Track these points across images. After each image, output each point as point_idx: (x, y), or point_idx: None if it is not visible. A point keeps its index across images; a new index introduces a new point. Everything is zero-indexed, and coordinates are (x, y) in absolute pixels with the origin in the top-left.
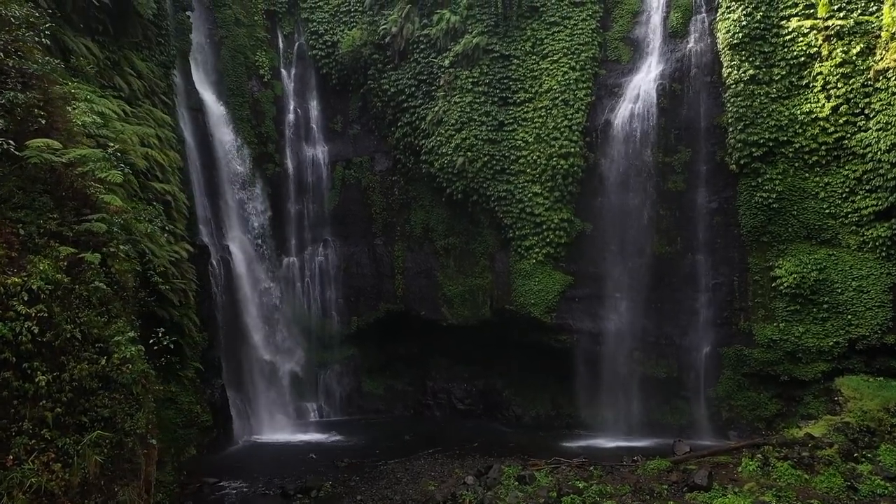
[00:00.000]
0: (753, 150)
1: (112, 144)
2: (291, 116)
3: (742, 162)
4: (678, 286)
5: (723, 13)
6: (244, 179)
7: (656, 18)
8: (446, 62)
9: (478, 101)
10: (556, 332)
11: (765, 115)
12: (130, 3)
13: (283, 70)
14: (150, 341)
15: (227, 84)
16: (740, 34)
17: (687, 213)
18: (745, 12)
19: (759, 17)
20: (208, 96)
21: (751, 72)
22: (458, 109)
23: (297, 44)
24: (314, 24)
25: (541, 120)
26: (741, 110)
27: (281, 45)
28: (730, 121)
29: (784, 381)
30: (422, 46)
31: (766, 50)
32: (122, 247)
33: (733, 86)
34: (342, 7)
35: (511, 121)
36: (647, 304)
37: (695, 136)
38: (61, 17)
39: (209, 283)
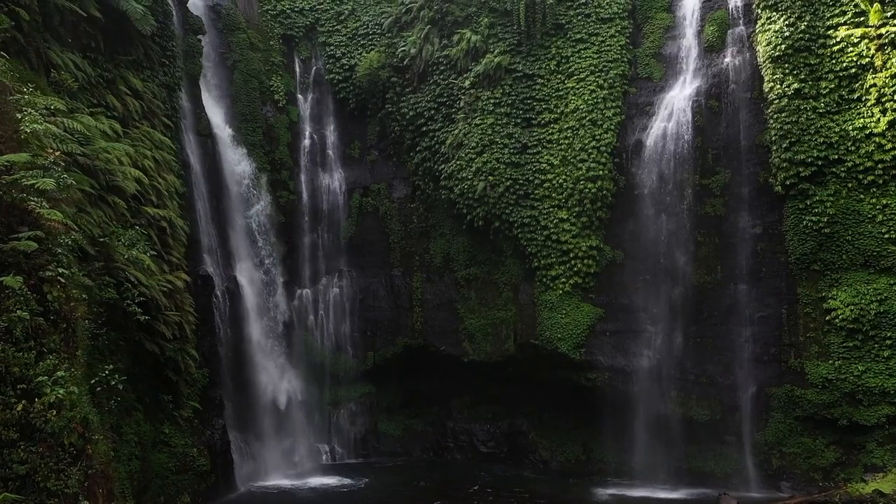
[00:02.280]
0: (800, 169)
1: (51, 151)
2: (307, 142)
3: (788, 183)
4: (719, 319)
5: (763, 24)
6: (255, 207)
7: (690, 33)
8: (467, 83)
9: (500, 122)
10: (586, 369)
11: (812, 131)
12: (128, 19)
13: (299, 95)
14: (98, 379)
15: (240, 109)
16: (783, 46)
17: (727, 239)
18: (787, 22)
19: (802, 27)
20: (219, 121)
21: (795, 85)
22: (479, 132)
23: (314, 68)
24: (332, 47)
25: (567, 141)
26: (786, 127)
27: (298, 69)
28: (773, 139)
29: (843, 426)
30: (441, 68)
31: (812, 62)
32: (62, 270)
33: (776, 101)
34: (360, 30)
35: (535, 143)
36: (684, 338)
37: (734, 155)
38: (47, 30)
39: (212, 316)
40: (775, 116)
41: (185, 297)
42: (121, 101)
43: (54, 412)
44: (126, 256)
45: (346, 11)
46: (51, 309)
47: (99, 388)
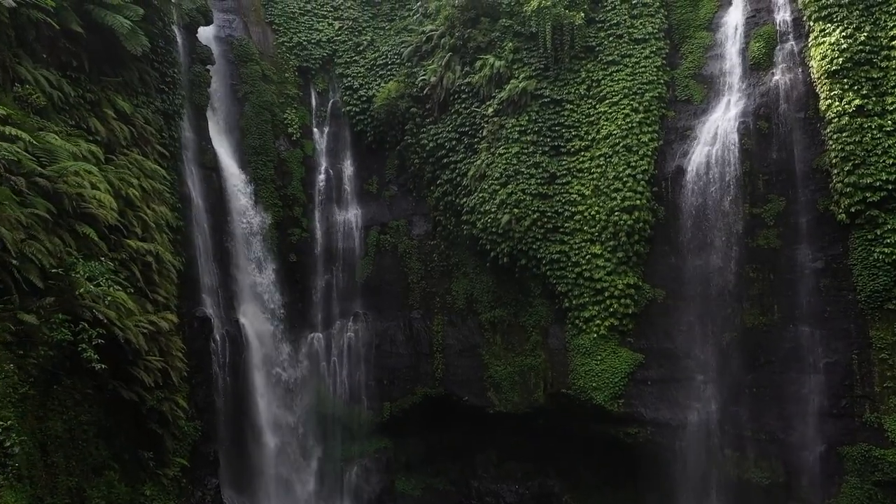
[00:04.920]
0: (867, 195)
1: None
2: (322, 177)
3: (853, 210)
4: (778, 366)
5: (815, 38)
6: (263, 245)
7: (733, 51)
8: (490, 111)
9: (526, 151)
10: (625, 422)
11: (879, 152)
12: (116, 38)
13: (314, 129)
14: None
15: (250, 142)
16: (840, 59)
17: (784, 275)
18: (844, 34)
19: (862, 38)
20: (226, 154)
21: (857, 102)
22: (504, 161)
23: (331, 101)
24: (349, 79)
25: (599, 170)
26: (848, 148)
27: (314, 102)
28: (834, 161)
29: None
30: (463, 96)
31: (875, 76)
32: None
33: (836, 120)
34: (379, 60)
35: (564, 172)
36: (738, 388)
37: (789, 181)
38: (21, 45)
39: (209, 362)
40: (835, 137)
41: (173, 341)
42: (105, 124)
43: None
44: (84, 290)
45: (364, 42)
46: None
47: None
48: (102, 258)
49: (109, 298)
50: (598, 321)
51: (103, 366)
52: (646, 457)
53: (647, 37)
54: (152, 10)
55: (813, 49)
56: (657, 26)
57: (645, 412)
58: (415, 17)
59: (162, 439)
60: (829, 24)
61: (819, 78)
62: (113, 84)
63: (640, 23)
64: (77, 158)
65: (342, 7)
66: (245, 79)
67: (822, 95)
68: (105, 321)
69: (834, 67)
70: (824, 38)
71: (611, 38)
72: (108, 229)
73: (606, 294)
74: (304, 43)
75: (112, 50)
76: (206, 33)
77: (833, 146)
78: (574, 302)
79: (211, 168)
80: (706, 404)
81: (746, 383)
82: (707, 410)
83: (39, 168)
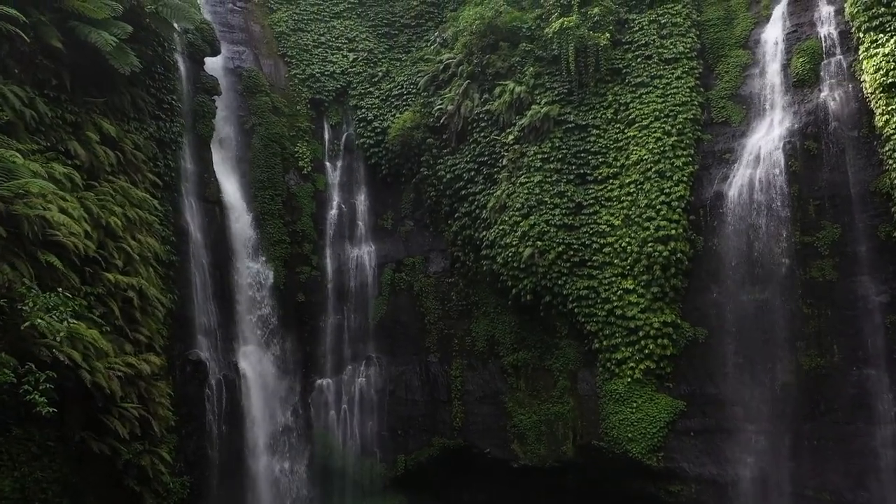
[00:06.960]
0: None
1: None
2: (334, 212)
3: None
4: (843, 415)
5: (866, 49)
6: (268, 284)
7: (774, 68)
8: (510, 138)
9: (549, 179)
10: (666, 479)
11: None
12: (101, 56)
13: (327, 162)
14: None
15: (257, 175)
16: None
17: (843, 310)
18: None
19: None
20: (231, 188)
21: None
22: (525, 191)
23: (345, 134)
24: (363, 110)
25: (630, 198)
26: None
27: (327, 135)
28: (895, 183)
29: None
30: (482, 124)
31: None
32: None
33: (895, 137)
34: (394, 91)
35: (591, 201)
36: (796, 440)
37: (844, 206)
38: None
39: (202, 410)
40: (895, 156)
41: (156, 386)
42: (88, 148)
43: None
44: (31, 324)
45: (379, 73)
46: None
47: None
48: (61, 290)
49: (62, 334)
50: (632, 364)
51: (52, 409)
52: None
53: (679, 56)
54: (148, 33)
55: (865, 62)
56: (689, 45)
57: (688, 467)
58: (432, 47)
59: (141, 498)
60: (882, 35)
61: (873, 92)
62: (99, 106)
63: (671, 42)
64: (34, 174)
65: (357, 39)
66: (254, 110)
67: (878, 111)
68: (68, 362)
69: (890, 80)
70: (877, 50)
71: (639, 60)
72: (83, 260)
73: (641, 333)
74: (318, 75)
75: (100, 70)
76: (214, 65)
77: (893, 166)
78: (605, 343)
79: (213, 202)
80: (759, 458)
81: (805, 434)
82: (760, 465)
83: None
